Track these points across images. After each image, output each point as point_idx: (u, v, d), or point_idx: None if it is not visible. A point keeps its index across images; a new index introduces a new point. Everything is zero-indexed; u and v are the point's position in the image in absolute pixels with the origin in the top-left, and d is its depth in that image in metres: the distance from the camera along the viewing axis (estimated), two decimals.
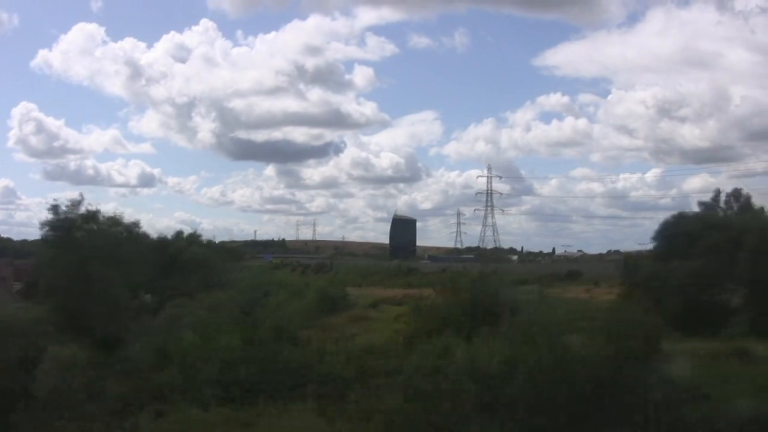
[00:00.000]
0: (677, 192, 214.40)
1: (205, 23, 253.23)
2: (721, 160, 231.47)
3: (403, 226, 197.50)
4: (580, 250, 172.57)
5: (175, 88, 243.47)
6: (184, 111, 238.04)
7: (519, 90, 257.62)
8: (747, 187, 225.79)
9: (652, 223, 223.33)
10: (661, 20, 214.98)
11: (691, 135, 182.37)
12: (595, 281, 63.65)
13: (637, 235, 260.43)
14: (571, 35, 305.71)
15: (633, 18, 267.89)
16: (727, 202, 45.04)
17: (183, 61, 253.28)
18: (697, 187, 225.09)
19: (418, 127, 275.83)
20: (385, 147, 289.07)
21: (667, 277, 33.25)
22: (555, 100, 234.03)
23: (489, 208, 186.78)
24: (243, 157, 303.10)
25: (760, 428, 13.30)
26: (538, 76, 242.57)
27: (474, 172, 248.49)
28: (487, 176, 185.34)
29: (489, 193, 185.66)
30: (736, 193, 45.52)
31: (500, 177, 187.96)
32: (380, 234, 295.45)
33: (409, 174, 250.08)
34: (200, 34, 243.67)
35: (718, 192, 46.05)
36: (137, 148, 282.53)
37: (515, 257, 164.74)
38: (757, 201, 44.87)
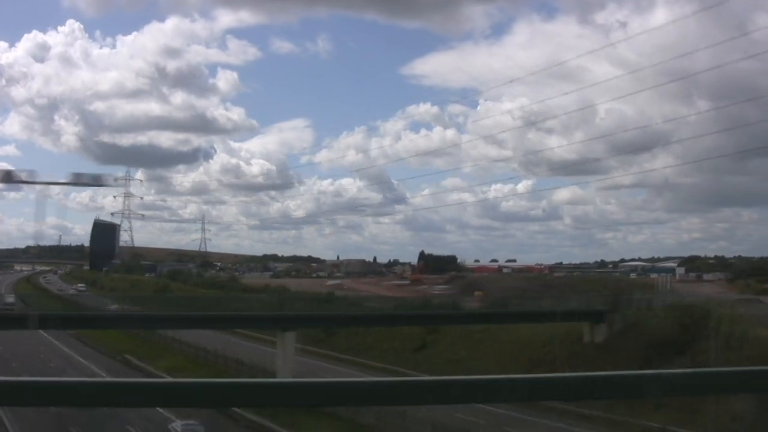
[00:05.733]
0: (547, 203, 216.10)
1: (71, 24, 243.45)
2: (589, 173, 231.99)
3: (103, 233, 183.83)
4: None
5: (36, 89, 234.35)
6: (47, 113, 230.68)
7: (389, 99, 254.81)
8: (615, 199, 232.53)
9: (523, 234, 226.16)
10: (526, 32, 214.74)
11: (558, 147, 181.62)
12: None
13: (511, 246, 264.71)
14: (438, 45, 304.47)
15: (499, 30, 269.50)
16: None
17: (44, 61, 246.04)
18: (567, 198, 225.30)
19: (289, 134, 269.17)
20: (255, 154, 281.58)
21: None
22: (424, 110, 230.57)
23: (127, 214, 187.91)
24: (110, 162, 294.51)
25: None
26: (407, 86, 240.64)
27: (345, 181, 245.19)
28: (126, 179, 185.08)
29: (127, 196, 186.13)
30: None
31: (141, 181, 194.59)
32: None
33: (281, 181, 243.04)
34: (65, 35, 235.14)
35: None
36: (1, 150, 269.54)
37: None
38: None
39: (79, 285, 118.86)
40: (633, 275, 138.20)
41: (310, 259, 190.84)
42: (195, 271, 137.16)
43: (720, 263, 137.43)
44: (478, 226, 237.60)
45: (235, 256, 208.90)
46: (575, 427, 37.26)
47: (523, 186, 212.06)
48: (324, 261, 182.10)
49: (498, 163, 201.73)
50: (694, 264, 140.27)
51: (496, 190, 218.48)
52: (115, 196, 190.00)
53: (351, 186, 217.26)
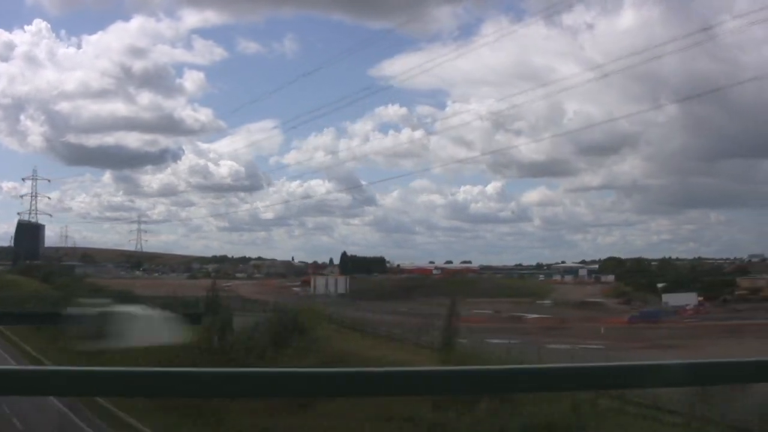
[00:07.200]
0: (516, 205, 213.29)
1: (38, 23, 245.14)
2: (557, 174, 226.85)
3: (27, 233, 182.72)
4: None
5: (0, 88, 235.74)
6: (12, 113, 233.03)
7: (357, 100, 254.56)
8: (584, 201, 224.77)
9: (493, 235, 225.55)
10: (494, 34, 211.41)
11: (526, 148, 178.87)
12: None
13: (481, 247, 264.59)
14: (406, 46, 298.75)
15: (467, 31, 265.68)
16: None
17: (9, 60, 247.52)
18: (536, 199, 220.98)
19: (257, 135, 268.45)
20: (224, 155, 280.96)
21: None
22: (393, 111, 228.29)
23: (34, 213, 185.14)
24: (77, 162, 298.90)
25: None
26: (376, 87, 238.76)
27: (314, 183, 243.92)
28: (33, 178, 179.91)
29: (34, 195, 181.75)
30: None
31: (49, 180, 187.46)
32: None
33: (250, 183, 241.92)
34: (31, 34, 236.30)
35: None
36: None
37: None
38: None
39: None
40: (542, 277, 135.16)
41: (250, 260, 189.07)
42: (81, 270, 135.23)
43: (636, 264, 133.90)
44: (447, 227, 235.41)
45: (184, 257, 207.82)
46: None
47: (492, 187, 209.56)
48: (249, 261, 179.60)
49: (467, 165, 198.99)
50: (605, 265, 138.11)
51: (465, 192, 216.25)
52: (22, 196, 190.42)
53: (320, 187, 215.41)
